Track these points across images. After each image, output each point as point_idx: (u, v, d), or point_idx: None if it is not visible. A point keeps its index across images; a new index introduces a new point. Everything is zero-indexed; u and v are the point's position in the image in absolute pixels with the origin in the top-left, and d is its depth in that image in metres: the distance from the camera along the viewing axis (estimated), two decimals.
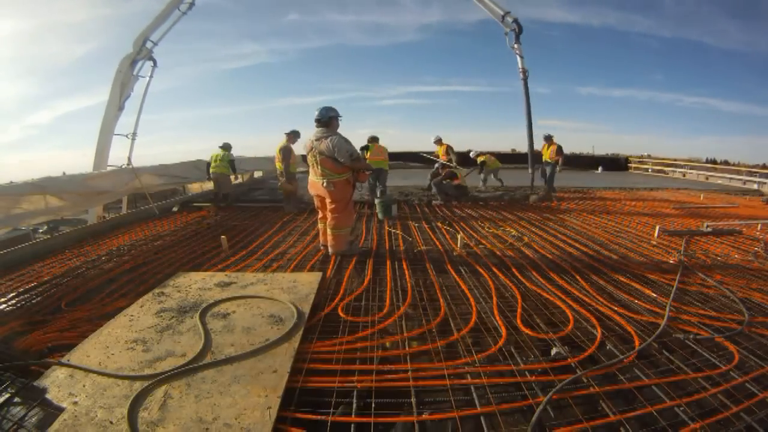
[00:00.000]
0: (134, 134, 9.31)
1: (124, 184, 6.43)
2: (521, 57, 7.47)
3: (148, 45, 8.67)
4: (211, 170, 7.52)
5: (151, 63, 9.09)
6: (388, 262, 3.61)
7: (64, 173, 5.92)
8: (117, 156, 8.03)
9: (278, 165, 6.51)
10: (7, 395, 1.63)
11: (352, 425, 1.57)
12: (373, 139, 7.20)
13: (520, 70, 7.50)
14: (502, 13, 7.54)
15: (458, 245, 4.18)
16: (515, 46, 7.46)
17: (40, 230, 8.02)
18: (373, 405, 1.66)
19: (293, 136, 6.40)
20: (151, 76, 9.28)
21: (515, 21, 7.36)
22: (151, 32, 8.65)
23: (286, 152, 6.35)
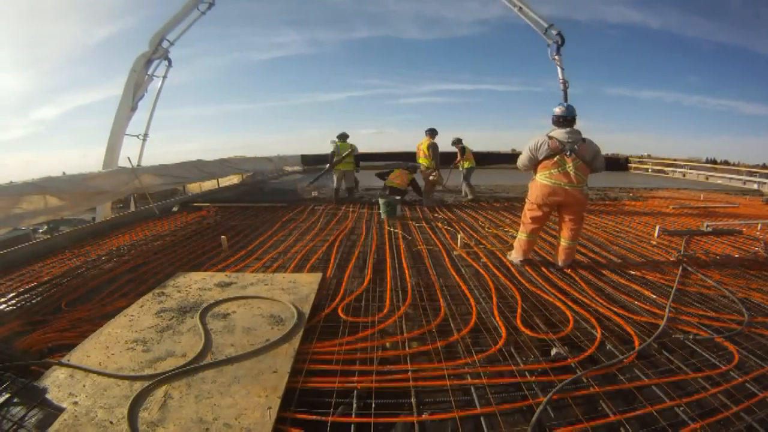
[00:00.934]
0: (145, 135, 9.22)
1: (124, 184, 6.43)
2: (562, 68, 7.79)
3: (165, 44, 8.47)
4: (338, 165, 7.10)
5: (166, 63, 8.87)
6: (389, 262, 3.62)
7: (64, 173, 5.92)
8: (124, 156, 7.97)
9: (423, 161, 6.95)
10: (7, 395, 1.63)
11: (352, 425, 1.57)
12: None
13: (561, 80, 7.79)
14: (545, 25, 7.85)
15: (458, 245, 4.19)
16: (556, 57, 7.81)
17: (40, 230, 8.00)
18: (373, 405, 1.66)
19: (435, 134, 6.93)
20: (165, 77, 9.12)
21: (559, 33, 7.72)
22: (167, 31, 8.45)
23: (435, 149, 6.87)
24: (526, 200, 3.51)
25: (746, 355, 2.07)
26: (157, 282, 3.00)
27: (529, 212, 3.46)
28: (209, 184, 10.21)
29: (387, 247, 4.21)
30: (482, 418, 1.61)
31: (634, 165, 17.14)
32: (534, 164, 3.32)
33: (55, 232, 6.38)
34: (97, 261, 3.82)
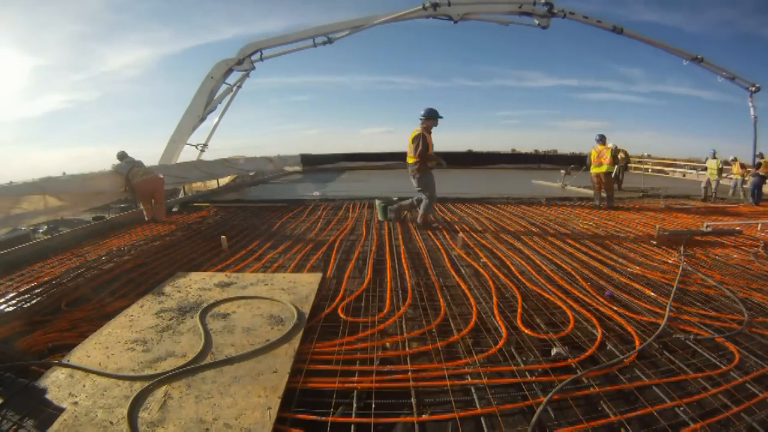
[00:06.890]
0: (204, 145, 8.62)
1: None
2: (753, 106, 12.20)
3: (254, 57, 7.72)
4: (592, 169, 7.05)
5: (244, 73, 8.08)
6: (388, 262, 3.61)
7: (64, 173, 5.92)
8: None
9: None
10: (7, 395, 1.63)
11: (352, 426, 1.57)
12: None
13: (753, 116, 12.21)
14: (748, 85, 11.95)
15: (458, 245, 4.18)
16: (750, 99, 12.02)
17: (40, 230, 8.00)
18: (373, 406, 1.66)
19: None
20: (239, 86, 8.28)
21: (758, 88, 11.86)
22: (268, 46, 7.75)
23: None
24: None
25: (747, 355, 2.06)
26: (157, 282, 3.00)
27: None
28: (199, 185, 10.18)
29: (387, 247, 4.20)
30: (482, 419, 1.60)
31: (633, 165, 17.11)
32: None
33: (55, 232, 6.38)
34: (97, 261, 3.82)
